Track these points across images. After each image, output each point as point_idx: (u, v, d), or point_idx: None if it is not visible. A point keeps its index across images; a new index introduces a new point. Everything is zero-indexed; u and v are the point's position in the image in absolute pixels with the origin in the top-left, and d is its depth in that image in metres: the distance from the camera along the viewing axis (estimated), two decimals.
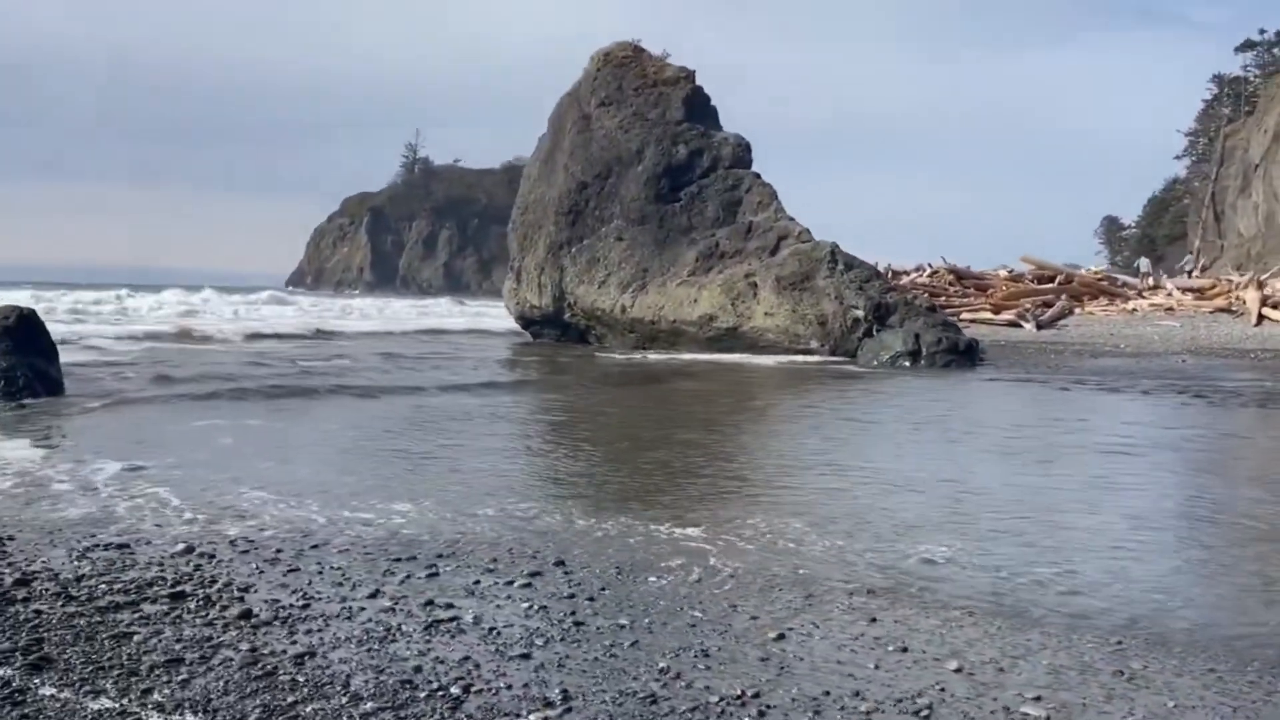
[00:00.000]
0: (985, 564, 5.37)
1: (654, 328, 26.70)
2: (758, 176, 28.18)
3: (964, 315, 27.33)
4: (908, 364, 21.54)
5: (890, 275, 29.49)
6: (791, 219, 27.33)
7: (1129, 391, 16.13)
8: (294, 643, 3.85)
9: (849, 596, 4.73)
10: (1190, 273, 37.02)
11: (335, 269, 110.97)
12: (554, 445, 10.31)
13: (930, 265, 32.05)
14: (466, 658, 3.70)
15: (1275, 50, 68.53)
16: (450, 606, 4.40)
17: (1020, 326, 26.57)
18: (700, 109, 29.11)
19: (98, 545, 5.57)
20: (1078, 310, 28.11)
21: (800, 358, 23.47)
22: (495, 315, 41.09)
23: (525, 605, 4.44)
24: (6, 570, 4.85)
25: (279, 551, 5.54)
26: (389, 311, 44.52)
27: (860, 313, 24.51)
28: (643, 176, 28.06)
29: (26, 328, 13.10)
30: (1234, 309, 25.64)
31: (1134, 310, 27.61)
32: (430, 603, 4.44)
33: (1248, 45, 65.35)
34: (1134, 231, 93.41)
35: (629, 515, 6.47)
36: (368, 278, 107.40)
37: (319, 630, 4.02)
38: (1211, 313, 25.98)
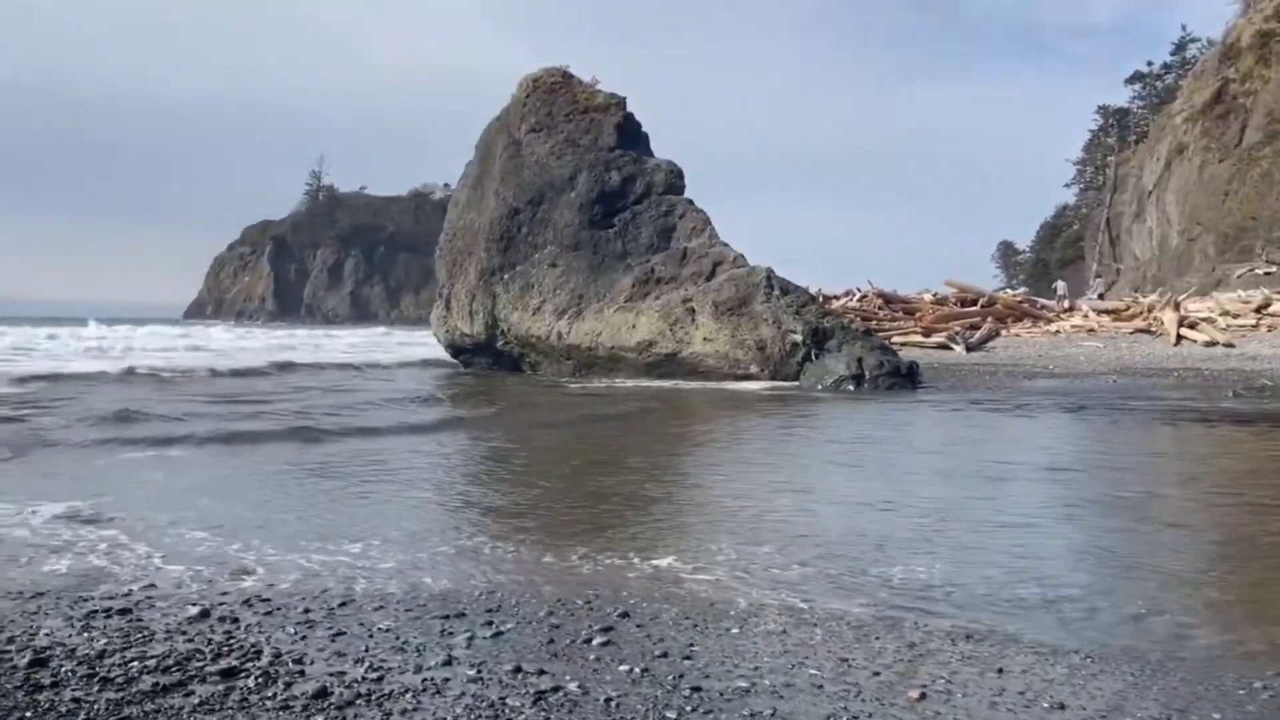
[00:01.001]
0: (1018, 592, 5.17)
1: (591, 354, 26.33)
2: (691, 203, 28.18)
3: (895, 338, 27.68)
4: (851, 387, 21.62)
5: (822, 300, 29.74)
6: (726, 244, 27.35)
7: (1068, 411, 16.39)
8: None
9: (953, 644, 4.45)
10: (1102, 295, 38.41)
11: (236, 299, 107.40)
12: (514, 479, 9.81)
13: (859, 289, 32.48)
14: None
15: (1158, 83, 72.18)
16: (544, 673, 3.96)
17: (951, 349, 27.02)
18: (632, 136, 29.01)
19: (97, 612, 4.94)
20: (1003, 332, 28.78)
21: (742, 383, 23.38)
22: (416, 343, 40.13)
23: (624, 669, 4.03)
24: (11, 648, 4.21)
25: (307, 612, 5.00)
26: (321, 341, 42.90)
27: (799, 337, 24.58)
28: (576, 203, 27.76)
29: None
30: (1153, 329, 26.58)
31: (1057, 332, 28.39)
32: (519, 670, 3.99)
33: (1137, 77, 68.72)
34: (1029, 256, 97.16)
35: (602, 548, 6.32)
36: (270, 307, 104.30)
37: (415, 709, 3.54)
38: (1131, 333, 26.88)
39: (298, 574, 5.93)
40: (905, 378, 22.05)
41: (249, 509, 7.87)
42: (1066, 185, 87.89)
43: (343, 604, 5.18)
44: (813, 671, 4.03)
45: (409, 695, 3.67)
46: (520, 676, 3.90)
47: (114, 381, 20.42)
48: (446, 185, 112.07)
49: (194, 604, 5.12)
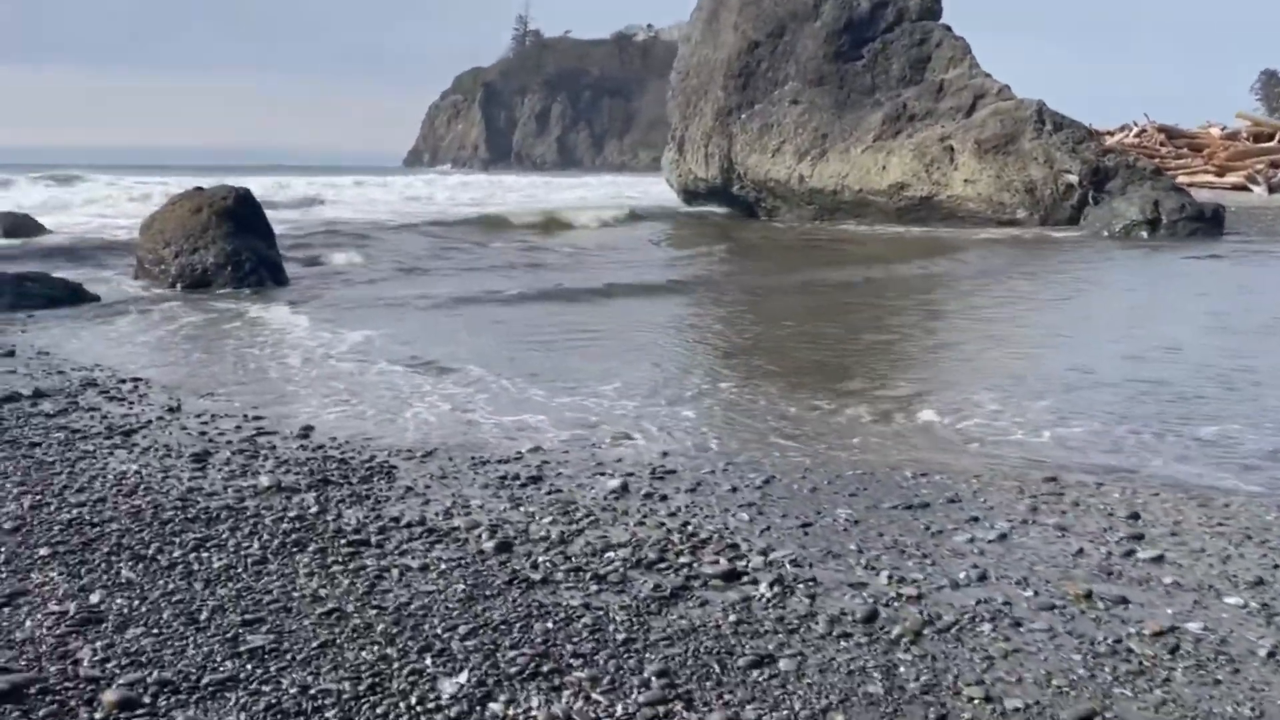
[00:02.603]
0: None
1: (836, 199, 24.79)
2: (948, 29, 25.48)
3: (1181, 178, 24.57)
4: (1145, 234, 19.29)
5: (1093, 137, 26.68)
6: (988, 75, 24.73)
7: None
8: (1020, 679, 2.59)
9: None
10: None
11: (450, 146, 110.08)
12: (778, 331, 9.11)
13: (1134, 124, 28.90)
14: None
15: None
16: (1127, 602, 3.09)
17: (1249, 190, 23.76)
18: None
19: (506, 478, 4.47)
20: None
21: (1006, 229, 21.39)
22: (640, 188, 39.46)
23: (1234, 601, 3.10)
24: (459, 523, 3.73)
25: (735, 490, 4.35)
26: (548, 191, 43.12)
27: (1074, 178, 22.13)
28: (821, 33, 25.65)
29: (245, 209, 12.19)
30: None
31: None
32: (1089, 595, 3.14)
33: None
34: None
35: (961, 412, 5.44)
36: (482, 154, 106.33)
37: (1013, 651, 2.75)
38: None
39: (667, 438, 5.37)
40: (1209, 223, 19.43)
41: (541, 357, 7.61)
42: None
43: (767, 481, 4.50)
44: None
45: (987, 625, 2.89)
46: (1104, 606, 3.05)
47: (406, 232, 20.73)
48: (650, 26, 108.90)
49: (601, 474, 4.58)
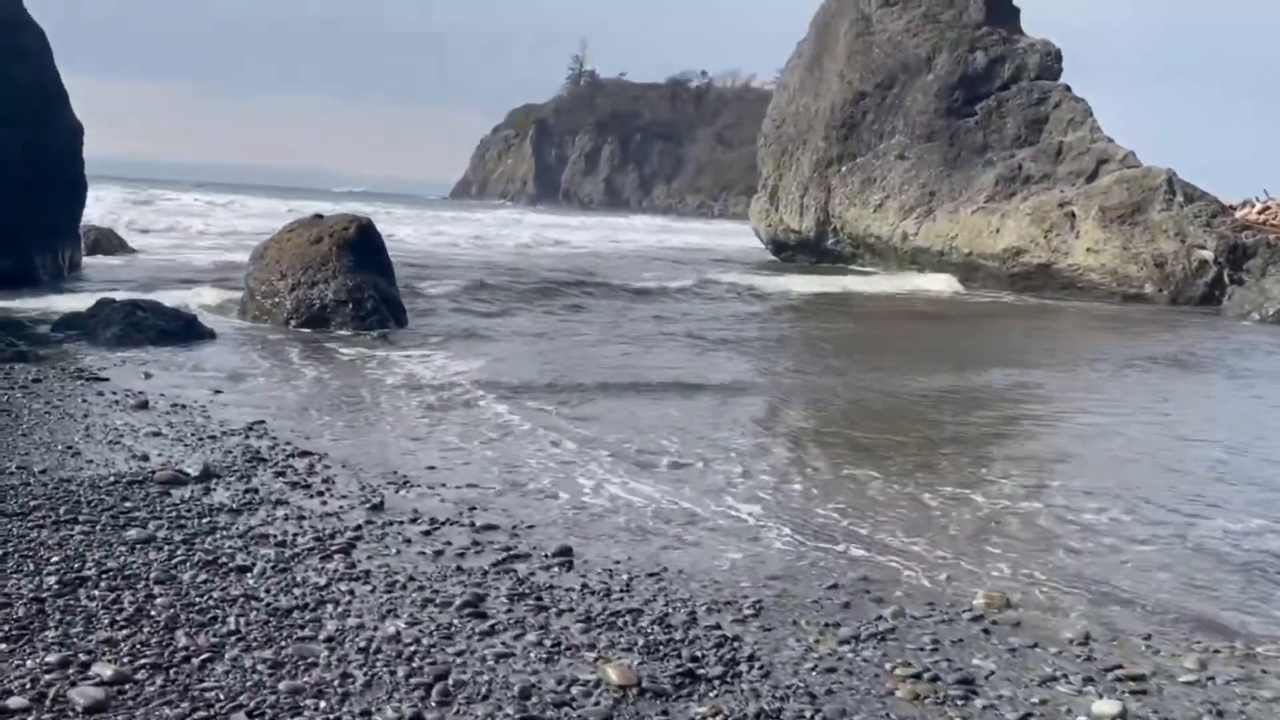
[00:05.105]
0: None
1: (942, 259, 23.40)
2: (1068, 90, 24.21)
3: None
4: None
5: None
6: (1110, 140, 23.38)
7: None
8: None
9: None
10: None
11: (499, 181, 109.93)
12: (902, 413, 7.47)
13: (1257, 200, 27.35)
14: None
15: None
16: None
17: None
18: (1001, 10, 25.11)
19: (925, 678, 3.07)
20: None
21: (1130, 305, 19.89)
22: (712, 238, 38.21)
23: None
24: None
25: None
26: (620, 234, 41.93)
27: (1209, 254, 20.65)
28: (933, 87, 24.44)
29: (366, 240, 10.96)
30: None
31: None
32: None
33: None
34: None
35: None
36: (530, 190, 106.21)
37: None
38: None
39: (1042, 592, 3.97)
40: None
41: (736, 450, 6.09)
42: None
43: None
44: None
45: None
46: None
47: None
48: (704, 73, 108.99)
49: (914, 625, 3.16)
